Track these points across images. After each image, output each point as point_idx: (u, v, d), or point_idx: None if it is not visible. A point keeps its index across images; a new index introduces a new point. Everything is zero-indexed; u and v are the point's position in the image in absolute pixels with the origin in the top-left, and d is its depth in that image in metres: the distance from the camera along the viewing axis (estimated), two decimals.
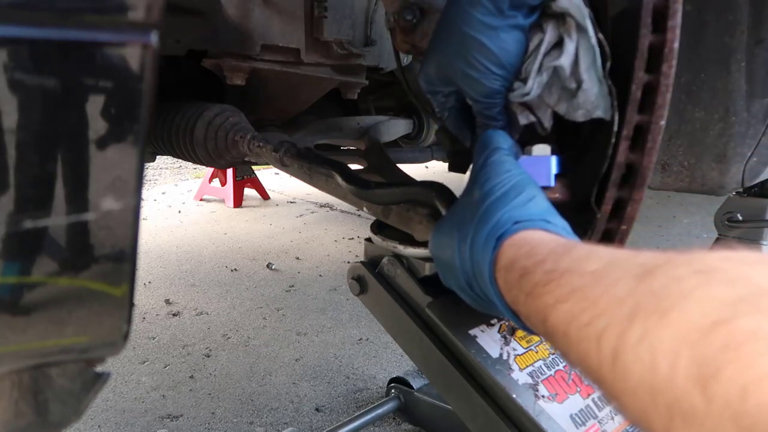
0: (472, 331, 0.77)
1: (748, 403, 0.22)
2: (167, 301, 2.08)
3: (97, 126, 0.36)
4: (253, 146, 0.92)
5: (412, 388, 1.33)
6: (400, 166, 1.08)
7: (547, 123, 0.55)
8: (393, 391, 1.37)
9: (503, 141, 0.52)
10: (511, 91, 0.53)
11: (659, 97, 0.49)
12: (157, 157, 1.35)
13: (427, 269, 0.82)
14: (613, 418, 0.75)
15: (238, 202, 3.62)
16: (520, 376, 0.73)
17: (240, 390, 1.51)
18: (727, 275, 0.26)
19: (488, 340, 0.76)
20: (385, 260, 0.85)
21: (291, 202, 3.77)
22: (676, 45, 0.48)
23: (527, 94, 0.52)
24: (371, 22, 1.09)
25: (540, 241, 0.42)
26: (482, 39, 0.51)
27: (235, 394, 1.49)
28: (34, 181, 0.36)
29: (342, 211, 3.50)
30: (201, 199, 3.79)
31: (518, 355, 0.76)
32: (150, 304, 2.06)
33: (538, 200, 0.46)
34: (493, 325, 0.79)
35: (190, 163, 1.16)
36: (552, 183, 0.55)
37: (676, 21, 0.48)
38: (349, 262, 2.52)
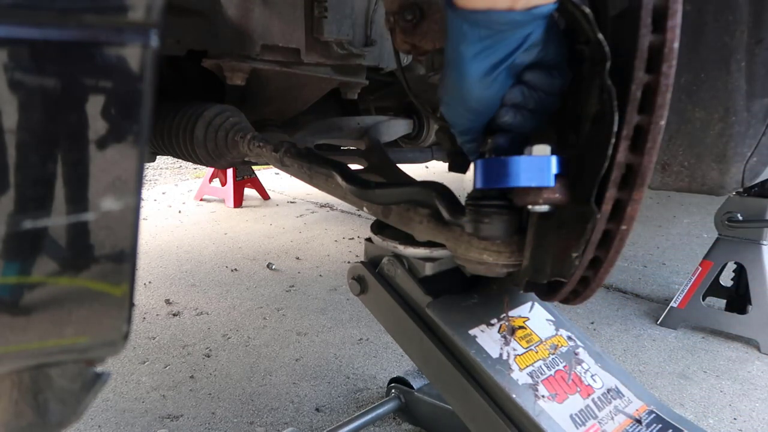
0: (472, 331, 0.77)
1: None
2: (167, 301, 2.08)
3: (97, 126, 0.36)
4: (253, 146, 0.92)
5: (412, 388, 1.33)
6: (400, 166, 1.08)
7: None
8: (393, 391, 1.37)
9: None
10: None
11: (659, 97, 0.49)
12: (157, 157, 1.35)
13: (427, 269, 0.82)
14: (612, 418, 0.74)
15: (238, 202, 3.62)
16: (520, 376, 0.73)
17: (240, 390, 1.51)
18: None
19: (488, 340, 0.76)
20: (385, 260, 0.85)
21: (291, 202, 3.77)
22: (676, 45, 0.48)
23: None
24: (371, 22, 1.09)
25: None
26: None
27: (236, 394, 1.49)
28: (34, 181, 0.36)
29: (342, 211, 3.50)
30: (201, 199, 3.79)
31: (518, 355, 0.76)
32: (150, 304, 2.06)
33: None
34: (493, 325, 0.79)
35: (190, 163, 1.16)
36: (552, 183, 0.55)
37: (676, 21, 0.48)
38: (349, 262, 2.52)
